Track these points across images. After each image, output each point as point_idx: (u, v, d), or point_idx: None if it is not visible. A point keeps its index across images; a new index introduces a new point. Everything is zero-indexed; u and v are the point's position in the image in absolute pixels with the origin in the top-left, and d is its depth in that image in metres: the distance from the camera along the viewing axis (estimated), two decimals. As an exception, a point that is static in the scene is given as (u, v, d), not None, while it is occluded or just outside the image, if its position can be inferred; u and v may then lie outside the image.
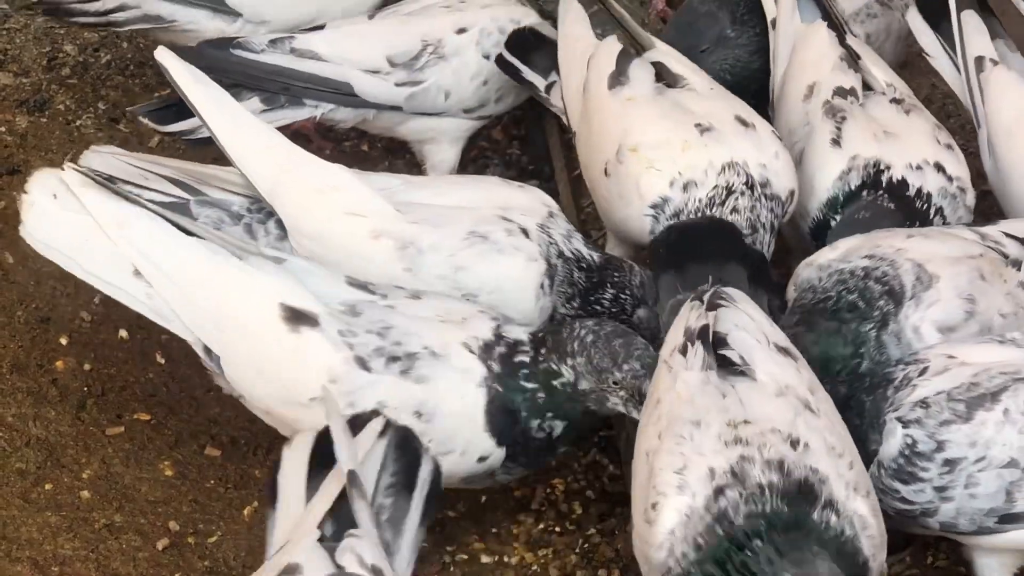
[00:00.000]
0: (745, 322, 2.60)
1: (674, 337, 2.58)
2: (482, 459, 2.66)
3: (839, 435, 2.47)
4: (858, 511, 2.32)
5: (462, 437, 2.65)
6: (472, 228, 2.96)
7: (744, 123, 3.16)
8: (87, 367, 3.12)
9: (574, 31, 3.48)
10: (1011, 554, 2.66)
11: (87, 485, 2.88)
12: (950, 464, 2.56)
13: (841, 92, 3.29)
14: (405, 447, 2.36)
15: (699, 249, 2.95)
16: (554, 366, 2.66)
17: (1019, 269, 3.02)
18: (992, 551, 2.62)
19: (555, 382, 2.65)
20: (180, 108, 3.26)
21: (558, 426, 2.68)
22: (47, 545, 2.73)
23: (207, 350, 2.72)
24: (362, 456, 2.36)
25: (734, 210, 3.05)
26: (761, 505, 2.32)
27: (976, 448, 2.60)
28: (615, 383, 2.65)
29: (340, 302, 2.69)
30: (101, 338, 3.23)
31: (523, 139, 3.88)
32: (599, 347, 2.68)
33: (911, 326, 2.87)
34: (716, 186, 3.04)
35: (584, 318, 2.82)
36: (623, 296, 2.96)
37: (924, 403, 2.62)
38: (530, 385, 2.65)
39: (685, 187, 3.02)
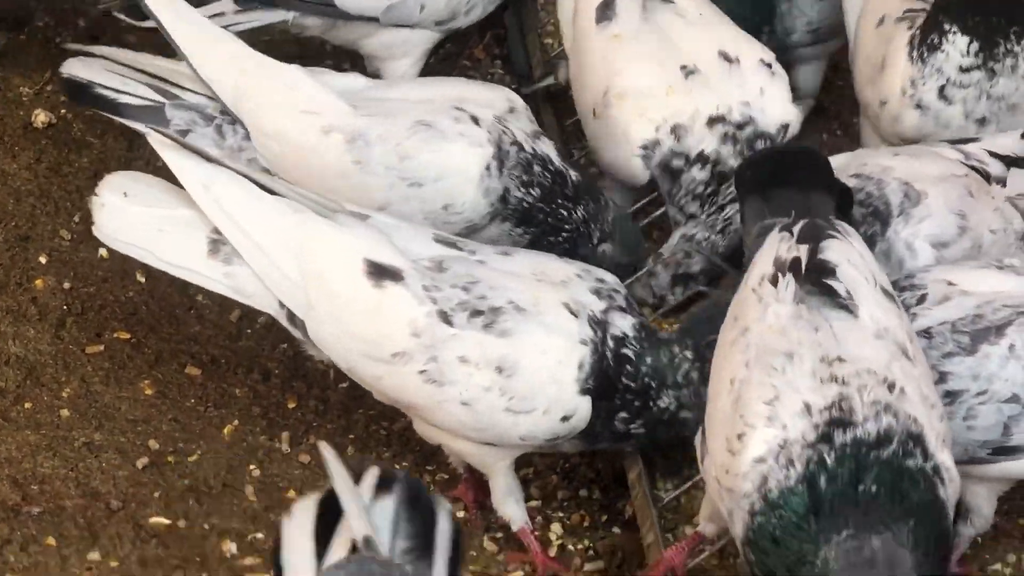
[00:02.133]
0: (856, 258, 2.56)
1: (763, 266, 2.52)
2: (566, 418, 2.62)
3: (931, 386, 2.45)
4: (945, 463, 2.30)
5: (545, 394, 2.63)
6: (420, 118, 2.96)
7: (728, 58, 3.16)
8: (67, 286, 3.09)
9: None
10: (1000, 482, 2.62)
11: (67, 404, 2.86)
12: (951, 396, 2.53)
13: (911, 11, 3.24)
14: (416, 504, 2.12)
15: (787, 175, 2.85)
16: (653, 389, 2.65)
17: (1004, 186, 3.01)
18: (981, 479, 2.57)
19: (655, 403, 2.64)
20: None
21: (640, 433, 2.67)
22: (26, 463, 2.70)
23: (291, 317, 2.71)
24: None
25: (718, 157, 3.06)
26: (858, 449, 2.29)
27: (978, 382, 2.57)
28: None
29: (427, 258, 2.68)
30: (81, 256, 3.18)
31: (505, 58, 3.83)
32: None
33: (903, 242, 2.86)
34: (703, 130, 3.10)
35: (685, 343, 2.74)
36: (592, 224, 2.98)
37: (927, 333, 2.57)
38: (630, 384, 2.64)
39: (673, 130, 3.03)
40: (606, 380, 2.60)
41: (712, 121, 3.11)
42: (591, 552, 2.73)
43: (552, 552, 2.73)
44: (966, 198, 2.95)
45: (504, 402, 2.59)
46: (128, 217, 2.78)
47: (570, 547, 2.74)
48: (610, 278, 2.75)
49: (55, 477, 2.71)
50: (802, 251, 2.43)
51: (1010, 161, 3.08)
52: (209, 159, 2.73)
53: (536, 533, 2.70)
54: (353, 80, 3.13)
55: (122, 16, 3.46)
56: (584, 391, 2.56)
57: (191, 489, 2.76)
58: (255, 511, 2.73)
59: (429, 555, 2.05)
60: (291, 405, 2.90)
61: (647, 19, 3.26)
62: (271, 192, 2.71)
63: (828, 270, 2.41)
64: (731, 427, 2.30)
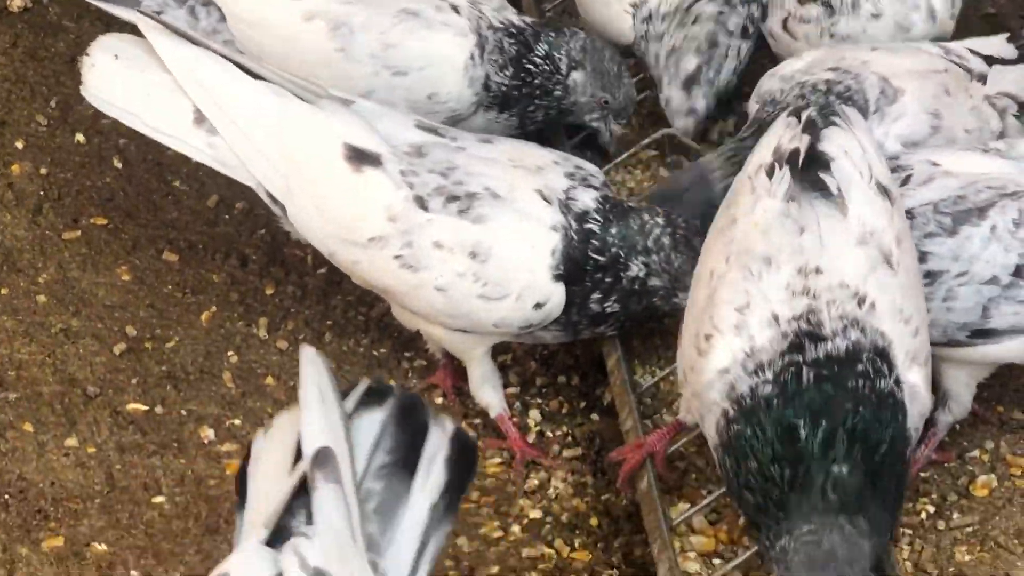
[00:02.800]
0: (854, 150, 2.55)
1: (763, 153, 2.52)
2: (539, 305, 2.66)
3: (911, 297, 2.46)
4: (910, 381, 2.32)
5: (518, 280, 2.66)
6: (404, 6, 2.98)
7: None
8: (43, 171, 3.11)
9: None
10: (978, 367, 2.65)
11: (43, 289, 2.89)
12: (931, 276, 2.54)
13: None
14: (408, 418, 2.07)
15: None
16: (622, 258, 2.67)
17: (984, 83, 3.02)
18: (961, 364, 2.59)
19: (623, 274, 2.66)
20: None
21: (615, 311, 2.69)
22: (3, 349, 2.74)
23: (271, 197, 2.72)
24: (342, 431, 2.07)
25: (697, 19, 3.10)
26: (816, 369, 2.32)
27: (959, 262, 2.59)
28: None
29: (407, 143, 2.70)
30: (57, 142, 3.20)
31: None
32: (680, 249, 2.68)
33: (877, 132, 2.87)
34: None
35: (655, 210, 2.76)
36: (557, 55, 2.99)
37: (910, 214, 2.58)
38: (598, 258, 2.67)
39: None
40: (576, 263, 2.63)
41: None
42: (569, 438, 2.75)
43: (531, 438, 2.75)
44: (942, 96, 2.98)
45: (478, 288, 2.62)
46: (117, 79, 2.79)
47: (548, 433, 2.77)
48: (589, 166, 2.77)
49: (32, 363, 2.73)
50: (803, 142, 2.43)
51: (992, 60, 3.11)
52: (195, 41, 2.74)
53: (515, 419, 2.73)
54: None
55: None
56: (557, 277, 2.59)
57: (168, 375, 2.78)
58: (232, 397, 2.75)
59: (410, 470, 1.98)
60: (269, 291, 2.91)
61: None
62: (255, 76, 2.71)
63: (824, 162, 2.42)
64: (701, 324, 2.35)
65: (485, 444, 2.78)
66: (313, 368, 1.92)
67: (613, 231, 2.66)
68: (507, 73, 3.00)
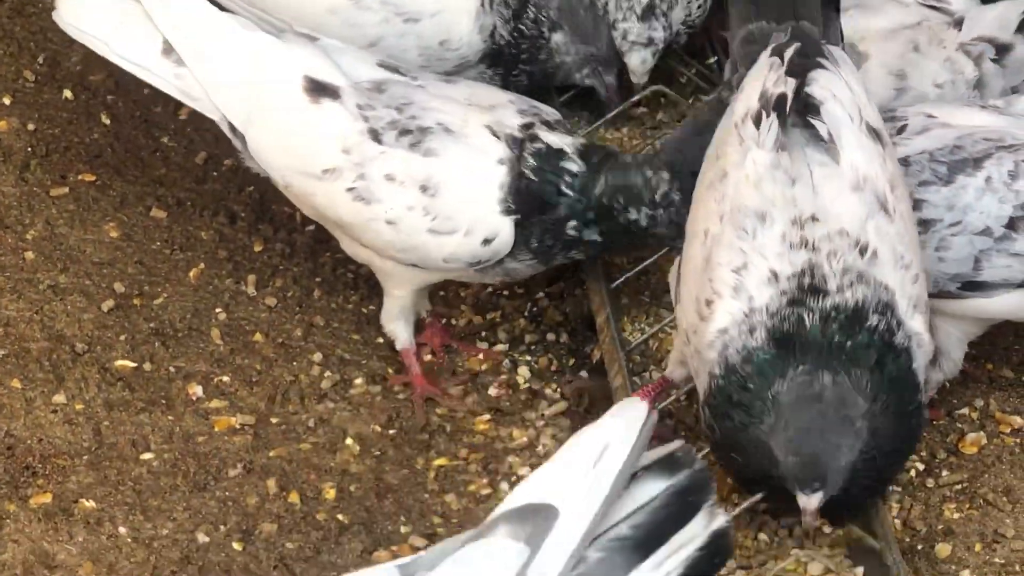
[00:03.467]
0: (842, 92, 2.51)
1: (748, 98, 2.47)
2: (487, 241, 2.67)
3: (908, 242, 2.44)
4: (915, 329, 2.33)
5: (467, 215, 2.69)
6: None
7: None
8: (31, 127, 3.11)
9: None
10: (971, 324, 2.65)
11: (31, 246, 2.89)
12: (924, 224, 2.53)
13: None
14: (685, 497, 1.95)
15: None
16: (618, 206, 2.66)
17: (959, 29, 3.00)
18: (953, 319, 2.60)
19: (620, 217, 2.66)
20: None
21: (595, 238, 2.70)
22: None
23: (232, 129, 2.74)
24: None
25: None
26: (822, 320, 2.33)
27: (953, 212, 2.58)
28: None
29: (368, 79, 2.74)
30: (45, 98, 3.22)
31: None
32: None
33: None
34: None
35: (651, 165, 2.73)
36: (542, 17, 3.01)
37: (905, 161, 2.60)
38: (577, 197, 2.65)
39: None
40: (539, 195, 2.64)
41: None
42: (559, 395, 2.76)
43: (521, 396, 2.76)
44: (909, 54, 2.97)
45: (427, 222, 2.65)
46: (90, 5, 2.84)
47: (538, 389, 2.77)
48: (546, 108, 2.79)
49: (20, 320, 2.74)
50: (789, 86, 2.38)
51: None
52: None
53: (504, 376, 2.72)
54: None
55: None
56: (507, 211, 2.61)
57: (157, 332, 2.80)
58: (221, 354, 2.76)
59: (642, 555, 1.87)
60: (257, 248, 2.90)
61: None
62: (224, 9, 2.80)
63: (813, 106, 2.39)
64: (701, 288, 2.34)
65: (391, 380, 2.79)
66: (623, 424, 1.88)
67: (602, 179, 2.65)
68: (508, 26, 3.01)
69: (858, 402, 2.32)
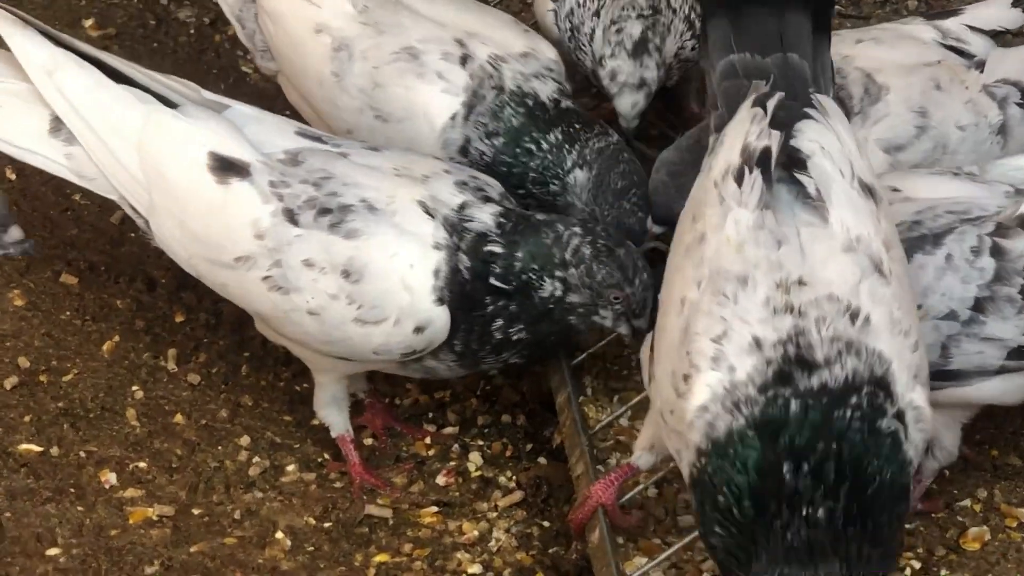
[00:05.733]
0: (832, 145, 2.32)
1: (728, 153, 2.27)
2: (419, 330, 2.49)
3: (906, 307, 2.25)
4: (915, 403, 2.13)
5: (396, 302, 2.48)
6: (410, 44, 2.85)
7: None
8: None
9: None
10: (958, 409, 2.47)
11: None
12: None
13: None
14: None
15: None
16: (534, 278, 2.50)
17: (982, 71, 2.86)
18: (936, 407, 2.24)
19: (536, 294, 2.49)
20: None
21: (523, 339, 2.51)
22: None
23: (135, 210, 2.56)
24: None
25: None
26: (808, 398, 2.10)
27: None
28: (617, 298, 2.49)
29: (282, 150, 2.56)
30: None
31: None
32: (603, 260, 2.49)
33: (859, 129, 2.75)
34: None
35: (563, 222, 2.58)
36: (567, 147, 2.81)
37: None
38: (501, 285, 2.49)
39: None
40: (470, 288, 2.47)
41: None
42: (513, 484, 2.57)
43: (472, 484, 2.59)
44: (931, 92, 2.83)
45: (352, 311, 2.47)
46: None
47: (491, 477, 2.61)
48: (484, 176, 2.63)
49: None
50: (774, 139, 2.18)
51: (993, 36, 2.95)
52: (57, 41, 2.60)
53: (454, 463, 2.55)
54: None
55: None
56: (439, 300, 2.44)
57: (66, 412, 2.63)
58: (137, 437, 2.59)
59: None
60: (179, 319, 2.81)
61: None
62: (121, 79, 2.58)
63: (799, 161, 2.20)
64: (678, 362, 2.13)
65: (328, 467, 2.65)
66: None
67: (520, 253, 2.49)
68: (494, 142, 2.85)
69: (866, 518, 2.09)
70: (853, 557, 2.08)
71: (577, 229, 2.52)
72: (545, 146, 2.83)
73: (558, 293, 2.49)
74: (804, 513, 2.05)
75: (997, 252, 2.46)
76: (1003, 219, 2.49)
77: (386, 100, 2.84)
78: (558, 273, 2.50)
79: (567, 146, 2.82)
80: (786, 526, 2.04)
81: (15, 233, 2.70)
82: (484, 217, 2.52)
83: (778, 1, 2.46)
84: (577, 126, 2.84)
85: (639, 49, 3.00)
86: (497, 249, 2.49)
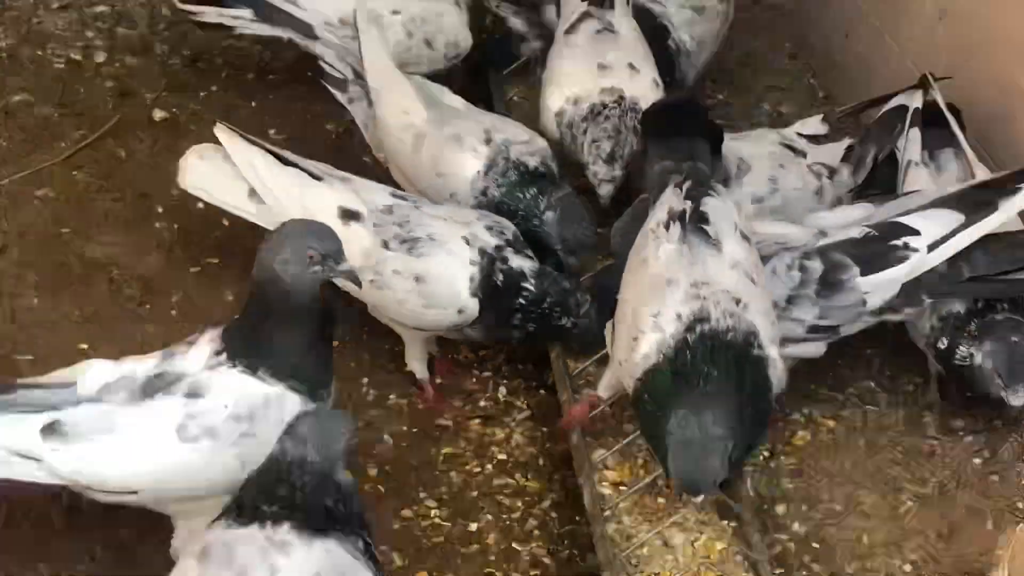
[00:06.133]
0: (725, 211, 2.95)
1: (660, 213, 2.91)
2: (460, 312, 3.12)
3: (767, 300, 2.87)
4: (771, 355, 2.74)
5: (447, 296, 3.14)
6: (456, 132, 3.48)
7: (633, 67, 3.70)
8: (176, 226, 3.67)
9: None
10: (788, 360, 2.96)
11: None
12: None
13: None
14: None
15: (677, 123, 3.29)
16: (556, 313, 3.14)
17: (805, 157, 3.62)
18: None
19: (552, 319, 3.15)
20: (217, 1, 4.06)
21: (529, 329, 3.16)
22: None
23: None
24: None
25: (606, 119, 3.60)
26: (711, 342, 2.71)
27: None
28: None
29: (382, 205, 3.23)
30: (189, 207, 3.71)
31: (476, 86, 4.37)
32: (592, 315, 3.16)
33: (735, 199, 3.27)
34: (594, 102, 3.61)
35: (585, 291, 3.21)
36: (540, 198, 3.41)
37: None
38: (528, 308, 3.12)
39: (575, 101, 3.63)
40: (496, 292, 3.14)
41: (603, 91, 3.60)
42: (526, 406, 3.28)
43: (500, 406, 3.28)
44: (778, 168, 3.58)
45: (422, 300, 3.14)
46: (199, 172, 3.39)
47: (512, 402, 3.30)
48: (502, 220, 3.27)
49: None
50: (688, 206, 2.87)
51: (812, 138, 3.68)
52: (252, 142, 3.29)
53: (489, 395, 3.26)
54: (454, 99, 3.73)
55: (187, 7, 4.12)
56: (473, 295, 3.12)
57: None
58: None
59: None
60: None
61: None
62: (287, 163, 3.26)
63: (705, 219, 2.86)
64: (632, 331, 2.75)
65: (416, 396, 3.26)
66: None
67: (551, 297, 3.14)
68: (502, 191, 3.46)
69: (728, 422, 2.65)
70: (737, 430, 2.62)
71: (587, 297, 3.17)
72: (528, 195, 3.44)
73: (568, 327, 3.16)
74: (697, 416, 2.59)
75: (802, 269, 3.12)
76: (807, 249, 3.16)
77: (442, 163, 3.49)
78: (571, 319, 3.15)
79: (541, 196, 3.43)
80: (684, 415, 2.60)
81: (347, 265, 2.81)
82: (520, 263, 3.15)
83: (690, 134, 3.19)
84: (548, 185, 3.45)
85: (610, 159, 3.59)
86: (530, 288, 3.12)
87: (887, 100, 3.82)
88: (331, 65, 3.87)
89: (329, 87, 3.89)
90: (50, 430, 2.60)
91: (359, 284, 2.77)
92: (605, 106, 3.63)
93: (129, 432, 2.59)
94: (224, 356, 2.62)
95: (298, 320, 2.64)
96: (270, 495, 2.32)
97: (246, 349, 2.61)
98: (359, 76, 3.79)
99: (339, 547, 2.32)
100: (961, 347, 3.12)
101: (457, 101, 3.74)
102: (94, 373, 2.65)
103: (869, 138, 3.75)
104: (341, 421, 2.43)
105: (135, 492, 2.65)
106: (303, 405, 2.59)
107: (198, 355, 2.63)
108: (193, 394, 2.60)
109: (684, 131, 3.25)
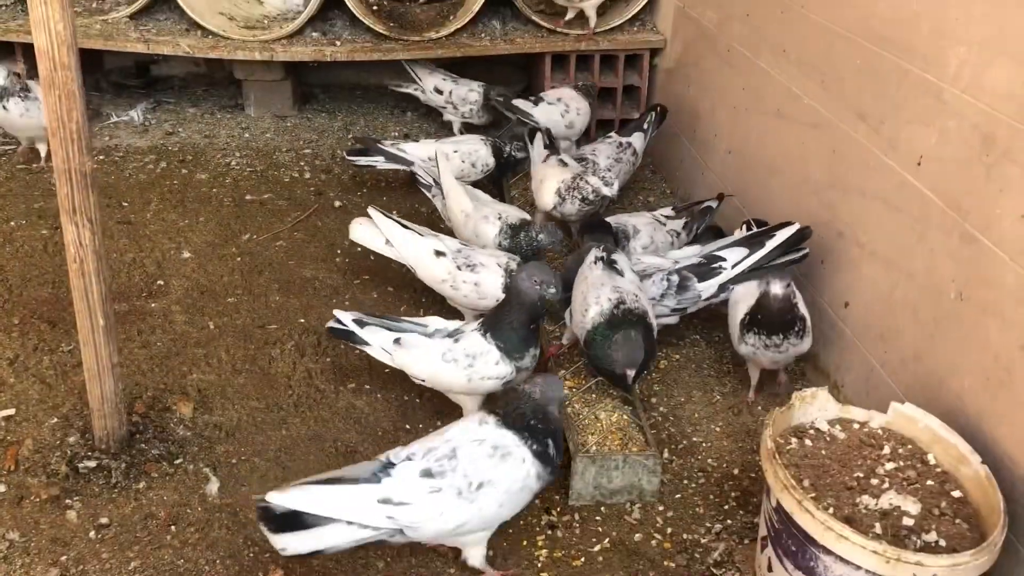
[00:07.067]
0: (624, 260, 4.22)
1: (591, 259, 4.17)
2: (497, 300, 4.15)
3: (647, 298, 4.09)
4: (653, 321, 3.96)
5: (492, 294, 4.31)
6: (486, 214, 4.76)
7: (582, 167, 5.09)
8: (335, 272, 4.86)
9: (537, 152, 5.56)
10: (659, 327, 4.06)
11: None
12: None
13: None
14: None
15: (597, 228, 4.60)
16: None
17: (665, 225, 4.98)
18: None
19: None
20: (362, 152, 5.50)
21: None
22: None
23: (413, 270, 4.33)
24: None
25: (582, 200, 5.02)
26: (625, 310, 3.88)
27: (645, 291, 4.26)
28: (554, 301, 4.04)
29: (456, 248, 4.38)
30: (339, 258, 5.00)
31: (495, 183, 5.82)
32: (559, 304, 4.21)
33: (631, 248, 4.81)
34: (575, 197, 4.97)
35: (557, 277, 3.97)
36: (529, 235, 4.68)
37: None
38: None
39: (560, 191, 5.05)
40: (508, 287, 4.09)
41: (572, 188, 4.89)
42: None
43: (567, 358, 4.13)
44: (654, 232, 4.96)
45: (478, 292, 4.34)
46: (361, 232, 4.63)
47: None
48: (516, 259, 4.30)
49: None
50: (605, 255, 4.19)
51: (667, 217, 5.13)
52: (387, 215, 4.47)
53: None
54: (481, 195, 4.88)
55: (349, 158, 5.57)
56: (504, 289, 4.26)
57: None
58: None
59: None
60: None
61: (553, 161, 5.24)
62: (404, 226, 4.45)
63: (615, 262, 4.18)
64: (583, 308, 3.95)
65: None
66: None
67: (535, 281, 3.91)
68: (508, 241, 4.64)
69: (640, 341, 3.76)
70: (640, 360, 3.77)
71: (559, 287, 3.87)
72: (524, 239, 4.63)
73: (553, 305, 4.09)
74: (623, 341, 3.75)
75: (668, 280, 4.43)
76: (669, 270, 4.42)
77: (480, 230, 4.72)
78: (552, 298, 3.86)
79: (520, 232, 4.62)
80: (624, 333, 3.73)
81: (554, 290, 3.82)
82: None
83: (603, 231, 4.55)
84: (518, 223, 4.61)
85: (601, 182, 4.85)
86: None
87: (702, 203, 5.25)
88: (421, 179, 5.21)
89: (422, 189, 5.22)
90: (398, 342, 3.86)
91: (559, 303, 3.90)
92: (574, 178, 5.01)
93: (424, 348, 3.83)
94: (478, 325, 3.83)
95: (519, 313, 3.74)
96: (505, 404, 3.27)
97: (489, 324, 3.77)
98: (437, 184, 5.08)
99: (514, 437, 3.23)
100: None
101: (484, 196, 4.91)
102: (433, 322, 3.91)
103: (694, 219, 5.18)
104: (560, 384, 3.35)
105: (423, 380, 3.92)
106: (501, 359, 3.76)
107: (470, 325, 3.86)
108: (455, 339, 3.84)
109: (599, 230, 4.67)
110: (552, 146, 5.50)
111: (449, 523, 3.12)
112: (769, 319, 4.10)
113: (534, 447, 3.21)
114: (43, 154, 5.78)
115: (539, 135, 5.55)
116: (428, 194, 5.23)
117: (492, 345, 3.82)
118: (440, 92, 6.13)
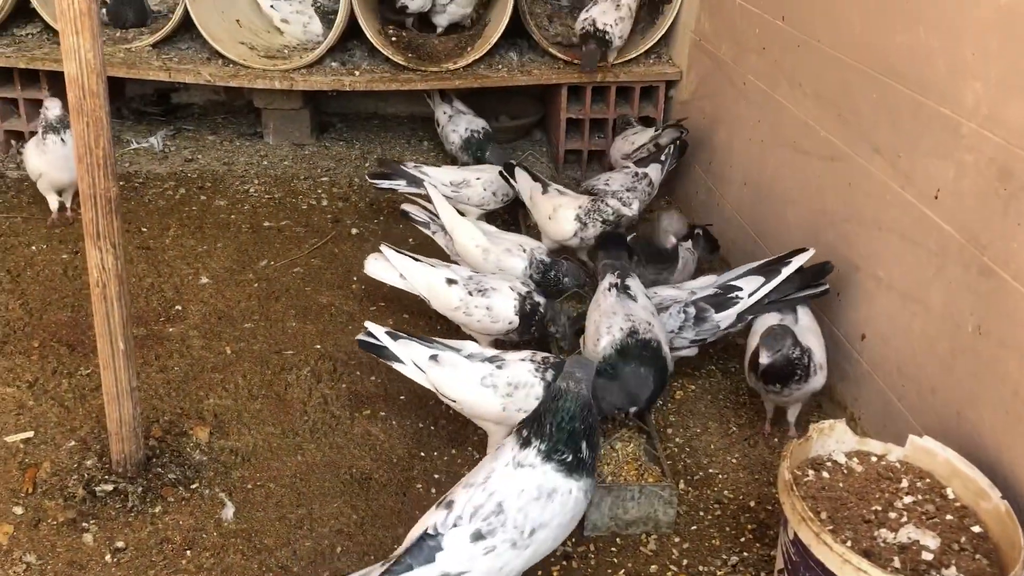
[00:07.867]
0: (638, 285, 4.16)
1: (605, 285, 4.09)
2: (510, 323, 4.29)
3: (662, 326, 4.00)
4: (667, 352, 3.82)
5: (504, 317, 4.30)
6: (508, 247, 4.78)
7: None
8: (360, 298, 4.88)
9: (525, 185, 5.45)
10: (675, 360, 4.01)
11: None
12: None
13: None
14: None
15: (612, 243, 4.47)
16: (550, 321, 4.26)
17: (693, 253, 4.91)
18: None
19: (548, 326, 4.28)
20: (385, 175, 5.52)
21: (536, 334, 4.24)
22: None
23: (424, 297, 4.33)
24: None
25: (603, 222, 4.95)
26: (637, 340, 3.76)
27: (664, 324, 4.16)
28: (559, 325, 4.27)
29: (467, 275, 4.41)
30: (353, 286, 4.99)
31: (512, 216, 5.82)
32: (567, 333, 4.31)
33: (639, 280, 4.44)
34: (591, 220, 4.96)
35: (568, 314, 4.32)
36: (555, 273, 4.68)
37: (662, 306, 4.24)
38: (543, 314, 4.27)
39: (578, 218, 4.98)
40: (525, 313, 4.30)
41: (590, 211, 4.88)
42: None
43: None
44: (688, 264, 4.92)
45: (490, 317, 4.31)
46: (375, 266, 4.64)
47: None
48: (530, 284, 4.35)
49: None
50: (619, 281, 4.12)
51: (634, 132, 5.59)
52: (399, 251, 4.52)
53: None
54: (489, 226, 4.89)
55: (371, 180, 5.66)
56: (516, 314, 4.28)
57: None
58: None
59: None
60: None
61: (549, 191, 5.19)
62: (416, 259, 4.46)
63: (628, 287, 4.12)
64: (595, 337, 3.84)
65: None
66: None
67: (549, 315, 4.25)
68: (533, 271, 4.69)
69: (650, 376, 3.67)
70: (647, 394, 3.65)
71: (567, 319, 4.20)
72: (551, 276, 4.69)
73: (552, 331, 4.23)
74: (631, 376, 3.63)
75: (685, 312, 4.31)
76: (686, 301, 4.34)
77: (501, 262, 4.72)
78: (555, 327, 4.28)
79: (551, 271, 4.68)
80: (634, 366, 3.64)
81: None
82: (538, 300, 4.29)
83: (618, 248, 4.43)
84: (550, 260, 4.67)
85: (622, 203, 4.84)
86: (542, 311, 4.25)
87: (678, 122, 5.62)
88: (415, 216, 5.21)
89: (418, 227, 5.22)
90: (434, 359, 3.81)
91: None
92: (593, 201, 5.00)
93: (464, 369, 3.79)
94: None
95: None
96: (541, 417, 3.25)
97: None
98: (434, 218, 5.10)
99: (557, 472, 3.19)
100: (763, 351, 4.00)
101: (490, 227, 4.92)
102: (468, 346, 3.89)
103: (662, 133, 5.67)
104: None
105: (453, 401, 3.86)
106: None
107: (516, 356, 3.83)
108: (498, 365, 3.83)
109: (615, 247, 4.52)
110: (539, 179, 5.40)
111: (510, 573, 3.13)
112: (764, 372, 4.08)
113: (576, 469, 3.14)
114: (68, 204, 5.67)
115: (518, 170, 5.47)
116: (427, 231, 5.22)
117: (537, 378, 3.77)
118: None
